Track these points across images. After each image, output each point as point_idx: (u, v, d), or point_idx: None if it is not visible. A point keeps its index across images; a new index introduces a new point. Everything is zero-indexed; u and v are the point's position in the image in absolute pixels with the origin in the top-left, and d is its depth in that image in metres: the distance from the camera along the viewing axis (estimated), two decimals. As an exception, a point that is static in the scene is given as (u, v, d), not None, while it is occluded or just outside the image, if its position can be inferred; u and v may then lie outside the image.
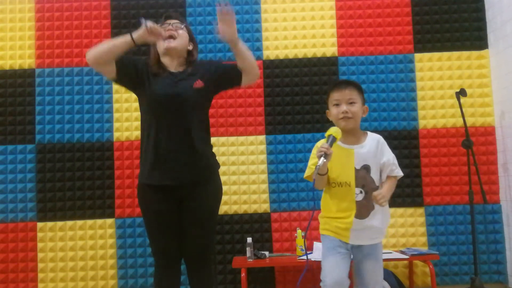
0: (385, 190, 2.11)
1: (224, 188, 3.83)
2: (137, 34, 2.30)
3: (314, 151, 2.19)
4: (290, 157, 3.92)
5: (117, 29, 3.99)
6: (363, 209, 2.13)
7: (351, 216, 2.12)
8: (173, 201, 2.41)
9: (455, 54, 4.00)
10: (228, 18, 2.30)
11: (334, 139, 2.04)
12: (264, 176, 3.91)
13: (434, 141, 3.93)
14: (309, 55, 4.01)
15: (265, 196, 3.90)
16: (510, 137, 3.74)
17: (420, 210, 3.89)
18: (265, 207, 3.90)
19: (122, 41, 2.30)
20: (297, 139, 3.94)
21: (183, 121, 2.35)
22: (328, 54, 4.01)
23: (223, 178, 3.81)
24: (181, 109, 2.35)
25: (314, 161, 2.11)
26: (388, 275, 3.51)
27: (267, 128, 3.95)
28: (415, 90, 3.98)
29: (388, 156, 2.21)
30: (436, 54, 4.01)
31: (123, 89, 3.91)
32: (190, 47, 2.50)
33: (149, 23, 2.28)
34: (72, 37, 3.99)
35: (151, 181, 2.38)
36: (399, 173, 2.22)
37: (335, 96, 2.19)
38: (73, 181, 3.86)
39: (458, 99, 3.69)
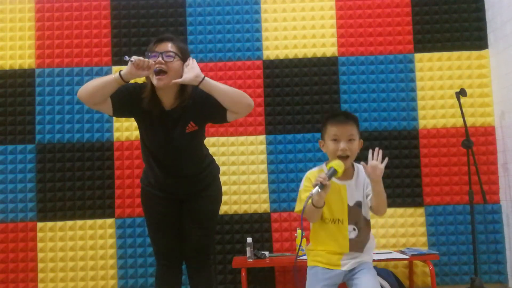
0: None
1: (224, 188, 3.83)
2: (125, 71, 2.13)
3: (305, 183, 2.11)
4: (290, 157, 3.92)
5: (117, 29, 3.99)
6: (356, 245, 2.10)
7: (344, 252, 2.08)
8: (175, 203, 2.47)
9: (455, 54, 4.00)
10: (187, 65, 2.22)
11: (334, 172, 1.95)
12: (264, 176, 3.91)
13: (434, 141, 3.93)
14: (309, 55, 4.00)
15: (265, 196, 3.90)
16: (510, 137, 3.74)
17: (420, 210, 3.89)
18: (265, 207, 3.90)
19: (111, 80, 2.15)
20: (297, 139, 3.94)
21: (178, 162, 2.36)
22: (328, 54, 4.00)
23: (223, 178, 3.84)
24: (176, 154, 2.34)
25: (307, 193, 1.99)
26: (388, 275, 3.51)
27: (267, 128, 3.95)
28: (415, 90, 3.98)
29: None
30: (436, 54, 4.01)
31: (123, 89, 3.92)
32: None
33: (135, 58, 2.10)
34: (72, 37, 3.99)
35: (153, 191, 2.47)
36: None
37: (334, 130, 2.07)
38: (73, 181, 3.86)
39: (458, 99, 3.69)
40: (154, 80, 2.21)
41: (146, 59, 2.14)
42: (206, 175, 2.49)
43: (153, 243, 2.52)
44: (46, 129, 3.90)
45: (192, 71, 2.19)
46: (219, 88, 2.22)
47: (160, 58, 2.19)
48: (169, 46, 2.23)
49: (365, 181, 2.10)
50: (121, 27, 4.00)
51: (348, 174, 2.10)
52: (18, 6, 4.00)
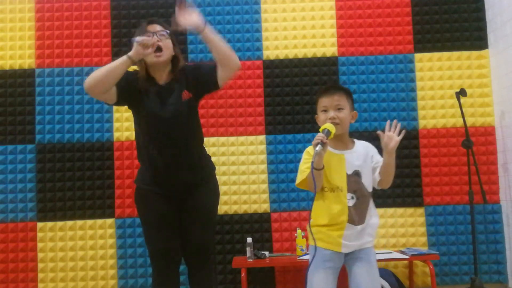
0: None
1: (224, 188, 3.86)
2: (133, 52, 2.26)
3: (304, 156, 2.17)
4: (290, 157, 3.92)
5: (117, 29, 3.99)
6: (355, 215, 2.11)
7: (344, 222, 2.10)
8: (172, 201, 2.44)
9: (455, 54, 4.00)
10: (185, 8, 2.28)
11: (329, 133, 2.03)
12: (264, 176, 3.91)
13: (434, 141, 3.93)
14: (309, 55, 4.01)
15: (265, 196, 3.90)
16: (510, 137, 3.74)
17: (420, 210, 3.89)
18: (265, 207, 3.90)
19: (120, 63, 2.27)
20: (297, 139, 3.94)
21: (177, 138, 2.37)
22: (328, 54, 4.01)
23: (223, 178, 3.85)
24: (174, 127, 2.36)
25: (306, 165, 2.09)
26: (388, 275, 3.51)
27: (267, 128, 3.95)
28: (415, 90, 3.98)
29: (378, 158, 2.21)
30: (436, 54, 4.01)
31: (123, 89, 3.92)
32: (174, 52, 2.45)
33: (138, 38, 2.25)
34: (72, 37, 3.99)
35: (151, 188, 2.44)
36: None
37: (323, 101, 2.16)
38: (73, 181, 3.86)
39: (458, 99, 3.69)
40: (154, 58, 2.32)
41: (150, 38, 2.27)
42: (206, 164, 2.49)
43: (149, 245, 2.46)
44: (46, 129, 3.90)
45: (196, 16, 2.29)
46: (217, 38, 2.33)
47: (155, 36, 2.32)
48: (159, 27, 2.39)
49: (367, 154, 2.17)
50: (121, 27, 4.00)
51: (347, 144, 2.18)
52: (18, 6, 4.01)
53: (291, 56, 4.01)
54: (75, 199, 3.85)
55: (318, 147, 1.97)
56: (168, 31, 2.39)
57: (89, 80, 2.26)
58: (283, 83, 3.99)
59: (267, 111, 3.96)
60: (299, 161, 3.96)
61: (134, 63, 2.29)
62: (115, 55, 3.94)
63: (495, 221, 3.86)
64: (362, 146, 2.20)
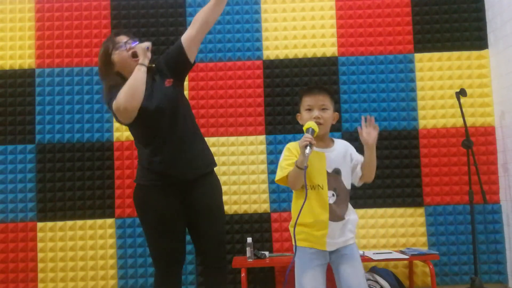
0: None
1: (224, 188, 3.85)
2: (142, 59, 2.32)
3: (285, 153, 2.20)
4: (290, 157, 3.92)
5: (117, 29, 3.99)
6: (336, 212, 2.14)
7: (326, 220, 2.11)
8: (174, 197, 2.37)
9: (455, 54, 4.00)
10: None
11: (313, 132, 2.07)
12: (264, 176, 3.91)
13: (434, 141, 3.93)
14: (309, 55, 4.01)
15: (265, 196, 3.90)
16: (510, 137, 3.74)
17: (420, 210, 3.89)
18: (265, 207, 3.90)
19: (140, 73, 2.28)
20: (297, 139, 3.90)
21: (171, 127, 2.34)
22: (328, 54, 4.01)
23: (223, 178, 3.85)
24: (166, 115, 2.33)
25: (288, 161, 2.13)
26: (388, 275, 3.51)
27: (267, 128, 3.95)
28: (415, 90, 3.98)
29: (358, 156, 2.25)
30: (436, 54, 4.01)
31: (123, 89, 3.92)
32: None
33: (143, 45, 2.34)
34: (72, 37, 3.99)
35: (151, 183, 2.37)
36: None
37: (308, 101, 2.20)
38: (73, 181, 3.86)
39: (458, 99, 3.69)
40: (134, 63, 2.34)
41: (147, 43, 2.36)
42: (207, 154, 2.46)
43: (150, 246, 2.40)
44: (46, 129, 3.90)
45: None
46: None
47: (129, 45, 2.39)
48: (128, 36, 2.47)
49: (346, 152, 2.22)
50: (121, 27, 4.00)
51: (327, 143, 2.22)
52: (18, 6, 4.01)
53: (291, 56, 4.01)
54: (75, 199, 3.85)
55: (308, 149, 2.00)
56: (137, 42, 2.42)
57: (124, 101, 2.22)
58: (283, 83, 3.99)
59: (267, 111, 3.97)
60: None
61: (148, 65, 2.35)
62: (115, 55, 3.94)
63: (495, 221, 3.86)
64: (341, 145, 2.25)
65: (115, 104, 2.24)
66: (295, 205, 2.22)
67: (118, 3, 4.03)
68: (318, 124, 2.13)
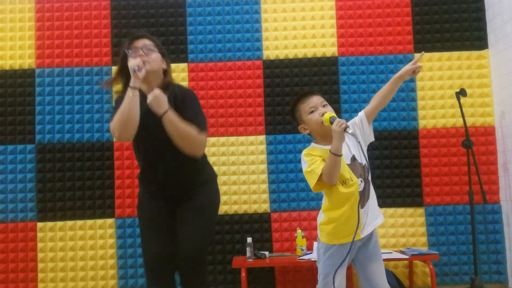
0: None
1: (224, 188, 3.86)
2: (132, 82, 2.15)
3: (308, 158, 2.15)
4: (290, 157, 3.92)
5: (117, 29, 3.99)
6: (364, 197, 2.14)
7: (358, 210, 2.08)
8: (168, 201, 2.37)
9: (455, 54, 4.00)
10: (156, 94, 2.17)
11: (334, 118, 2.06)
12: (264, 176, 3.91)
13: (434, 141, 3.93)
14: (309, 55, 4.01)
15: (265, 196, 3.90)
16: (510, 137, 3.74)
17: (420, 210, 3.89)
18: (265, 207, 3.90)
19: (130, 98, 2.13)
20: (297, 139, 3.94)
21: (168, 148, 2.26)
22: (328, 54, 4.01)
23: (223, 178, 3.85)
24: (163, 143, 2.25)
25: (315, 164, 2.09)
26: (388, 275, 3.51)
27: (267, 128, 3.95)
28: (415, 90, 3.98)
29: (355, 120, 2.24)
30: (436, 54, 4.01)
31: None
32: (164, 66, 2.36)
33: (131, 65, 2.15)
34: (72, 37, 3.99)
35: (149, 192, 2.41)
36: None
37: (308, 104, 2.18)
38: (73, 181, 3.86)
39: (458, 99, 3.69)
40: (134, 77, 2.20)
41: (137, 60, 2.18)
42: (201, 172, 2.41)
43: (143, 249, 2.35)
44: (46, 129, 3.90)
45: (159, 100, 2.18)
46: (176, 124, 2.19)
47: (140, 51, 2.26)
48: (146, 41, 2.32)
49: (349, 137, 2.16)
50: (121, 27, 4.00)
51: (331, 137, 2.16)
52: (18, 6, 4.01)
53: (291, 56, 4.01)
54: (75, 199, 3.85)
55: (351, 130, 2.00)
56: (154, 45, 2.30)
57: (117, 129, 2.17)
58: (283, 83, 3.99)
59: (267, 111, 3.96)
60: (299, 161, 3.99)
61: (139, 88, 2.18)
62: (115, 55, 3.94)
63: (495, 221, 3.86)
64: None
65: (110, 128, 2.21)
66: (328, 203, 2.19)
67: (118, 3, 4.03)
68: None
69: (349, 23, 4.03)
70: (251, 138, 3.94)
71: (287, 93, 3.98)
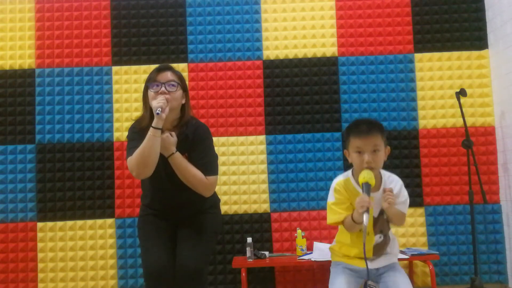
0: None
1: (224, 188, 3.86)
2: (155, 122, 2.17)
3: (336, 195, 2.09)
4: (290, 157, 3.92)
5: (117, 29, 3.99)
6: (379, 249, 2.11)
7: (369, 256, 2.08)
8: (172, 222, 2.44)
9: (455, 54, 4.00)
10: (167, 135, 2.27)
11: (369, 186, 1.92)
12: (264, 176, 3.91)
13: (434, 141, 3.93)
14: (309, 55, 4.00)
15: (265, 196, 3.90)
16: (510, 137, 3.74)
17: (420, 210, 3.89)
18: (265, 207, 3.90)
19: (153, 137, 2.15)
20: (297, 139, 3.94)
21: (174, 188, 2.33)
22: (328, 54, 4.01)
23: (223, 178, 3.85)
24: (172, 181, 2.32)
25: (341, 206, 2.04)
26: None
27: (267, 128, 3.95)
28: (415, 90, 3.98)
29: (403, 197, 2.09)
30: (436, 54, 4.01)
31: (123, 89, 3.92)
32: (183, 101, 2.38)
33: (155, 106, 2.17)
34: (72, 37, 3.99)
35: (151, 212, 2.47)
36: (405, 211, 2.11)
37: (357, 142, 2.00)
38: (73, 181, 3.86)
39: (458, 99, 3.69)
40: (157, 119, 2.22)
41: (162, 102, 2.19)
42: (203, 200, 2.43)
43: (143, 261, 2.33)
44: (46, 129, 3.90)
45: (166, 143, 2.24)
46: (181, 167, 2.26)
47: (163, 88, 2.26)
48: (169, 75, 2.32)
49: (396, 192, 2.06)
50: (121, 27, 4.00)
51: (375, 185, 2.03)
52: (18, 6, 4.01)
53: (291, 56, 4.01)
54: (75, 199, 3.85)
55: (366, 218, 1.87)
56: (177, 82, 2.30)
57: (135, 169, 2.19)
58: (283, 83, 3.99)
59: (267, 111, 3.96)
60: (299, 161, 4.00)
61: (161, 129, 2.20)
62: (115, 55, 3.94)
63: (495, 221, 3.86)
64: (387, 180, 2.09)
65: (128, 166, 2.23)
66: (340, 237, 2.18)
67: (118, 3, 4.03)
68: (370, 168, 1.97)
69: (349, 23, 4.03)
70: (251, 138, 3.94)
71: (287, 93, 3.98)
